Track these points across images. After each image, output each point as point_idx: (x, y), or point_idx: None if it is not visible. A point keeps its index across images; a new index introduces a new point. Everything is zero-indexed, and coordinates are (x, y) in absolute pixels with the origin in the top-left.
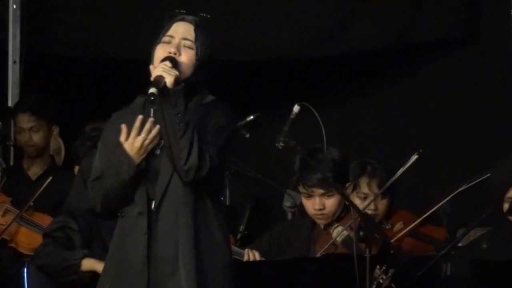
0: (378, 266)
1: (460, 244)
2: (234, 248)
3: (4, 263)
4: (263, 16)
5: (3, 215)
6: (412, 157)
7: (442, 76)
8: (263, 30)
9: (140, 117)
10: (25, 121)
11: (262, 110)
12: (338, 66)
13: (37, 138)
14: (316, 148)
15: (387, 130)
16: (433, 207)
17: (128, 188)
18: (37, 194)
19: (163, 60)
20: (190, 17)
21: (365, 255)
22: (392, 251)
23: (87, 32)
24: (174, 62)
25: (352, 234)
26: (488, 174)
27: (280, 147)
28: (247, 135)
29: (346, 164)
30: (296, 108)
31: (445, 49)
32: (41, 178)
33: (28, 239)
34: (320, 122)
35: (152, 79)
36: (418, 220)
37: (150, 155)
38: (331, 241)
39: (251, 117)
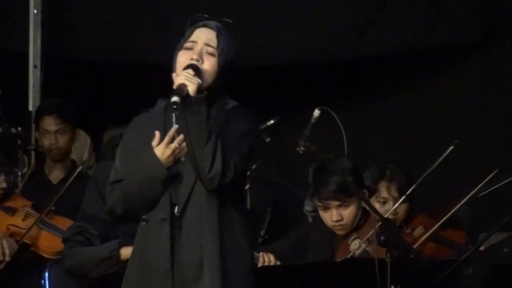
0: (392, 287)
1: (481, 248)
2: None
3: (25, 267)
4: (283, 20)
5: (24, 219)
6: (449, 148)
7: (462, 79)
8: (283, 34)
9: (175, 126)
10: (51, 123)
11: (282, 114)
12: (359, 70)
13: (62, 141)
14: (326, 160)
15: (407, 134)
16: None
17: (156, 193)
18: (56, 198)
19: (186, 68)
20: (212, 23)
21: (386, 259)
22: (412, 256)
23: (107, 37)
24: (197, 70)
25: (369, 248)
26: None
27: (301, 151)
28: (268, 139)
29: (358, 171)
30: (316, 112)
31: (464, 52)
32: (62, 182)
33: (49, 243)
34: (341, 126)
35: (174, 87)
36: (438, 224)
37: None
38: (349, 255)
39: (272, 121)
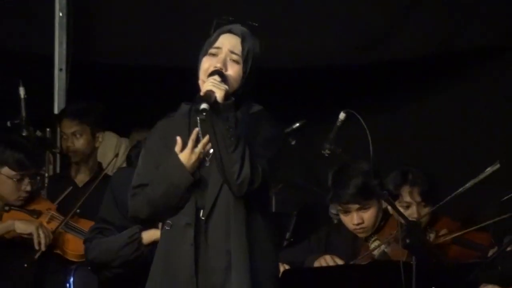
0: None
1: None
2: None
3: (50, 270)
4: (309, 23)
5: (48, 222)
6: (493, 166)
7: (490, 82)
8: (309, 37)
9: (196, 129)
10: (67, 126)
11: (308, 117)
12: (385, 73)
13: (79, 143)
14: (345, 163)
15: (433, 137)
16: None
17: (181, 199)
18: (81, 201)
19: (211, 74)
20: (237, 29)
21: (411, 262)
22: (437, 258)
23: (133, 40)
24: (223, 76)
25: (388, 249)
26: None
27: (326, 155)
28: (293, 142)
29: (378, 173)
30: (342, 116)
31: (493, 55)
32: (88, 185)
33: (73, 246)
34: (366, 129)
35: (202, 94)
36: (470, 229)
37: (199, 165)
38: (366, 253)
39: (297, 124)
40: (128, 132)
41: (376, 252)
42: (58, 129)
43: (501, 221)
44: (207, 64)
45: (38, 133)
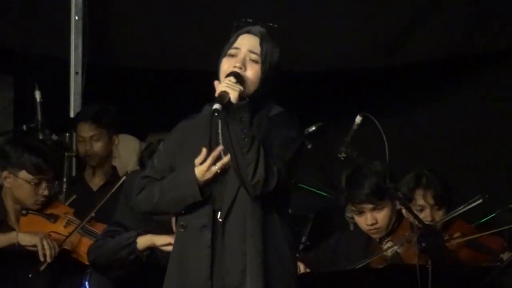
0: None
1: None
2: None
3: (66, 274)
4: (326, 27)
5: (65, 226)
6: (475, 199)
7: (508, 85)
8: (325, 41)
9: (220, 147)
10: (85, 130)
11: (324, 120)
12: (401, 76)
13: (97, 147)
14: (358, 164)
15: (449, 140)
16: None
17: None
18: (99, 206)
19: (228, 75)
20: (256, 29)
21: (427, 266)
22: (453, 262)
23: (148, 43)
24: (239, 77)
25: (400, 250)
26: None
27: (342, 158)
28: (309, 146)
29: (391, 173)
30: (358, 119)
31: (510, 58)
32: (103, 188)
33: None
34: (382, 133)
35: (216, 95)
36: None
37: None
38: (379, 254)
39: (313, 127)
40: (144, 135)
41: (389, 253)
42: (74, 133)
43: None
44: (226, 65)
45: (54, 136)
